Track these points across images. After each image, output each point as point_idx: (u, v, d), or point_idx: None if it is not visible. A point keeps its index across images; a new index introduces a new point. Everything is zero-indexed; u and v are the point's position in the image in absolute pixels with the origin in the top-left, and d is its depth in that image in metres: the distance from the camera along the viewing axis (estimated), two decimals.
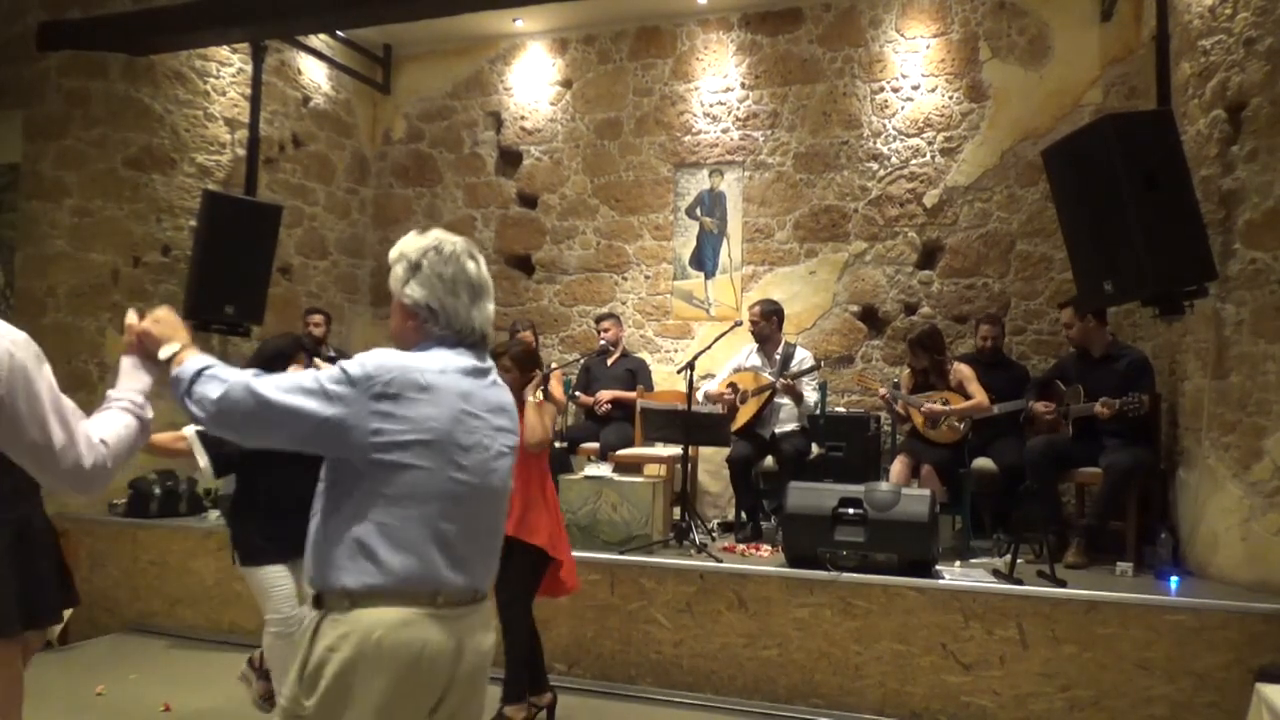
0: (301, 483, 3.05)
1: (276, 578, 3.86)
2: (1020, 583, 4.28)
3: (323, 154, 8.02)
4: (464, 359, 1.94)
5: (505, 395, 2.05)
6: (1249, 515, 4.25)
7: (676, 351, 7.45)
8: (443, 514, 1.84)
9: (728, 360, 6.24)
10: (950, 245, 6.91)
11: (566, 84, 8.00)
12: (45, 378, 1.67)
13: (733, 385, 5.93)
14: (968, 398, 5.42)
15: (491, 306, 2.03)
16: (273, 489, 3.63)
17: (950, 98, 6.91)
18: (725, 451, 5.85)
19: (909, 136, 7.01)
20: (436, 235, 1.98)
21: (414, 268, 1.93)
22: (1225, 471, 4.43)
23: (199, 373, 1.82)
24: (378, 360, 1.83)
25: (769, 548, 5.18)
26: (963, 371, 5.53)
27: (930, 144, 6.96)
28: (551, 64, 8.05)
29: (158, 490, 6.00)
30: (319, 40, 7.81)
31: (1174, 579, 4.31)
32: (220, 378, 1.81)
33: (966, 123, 6.87)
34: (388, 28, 7.72)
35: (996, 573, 4.49)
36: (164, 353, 1.89)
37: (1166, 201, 4.27)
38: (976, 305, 6.76)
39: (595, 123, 7.88)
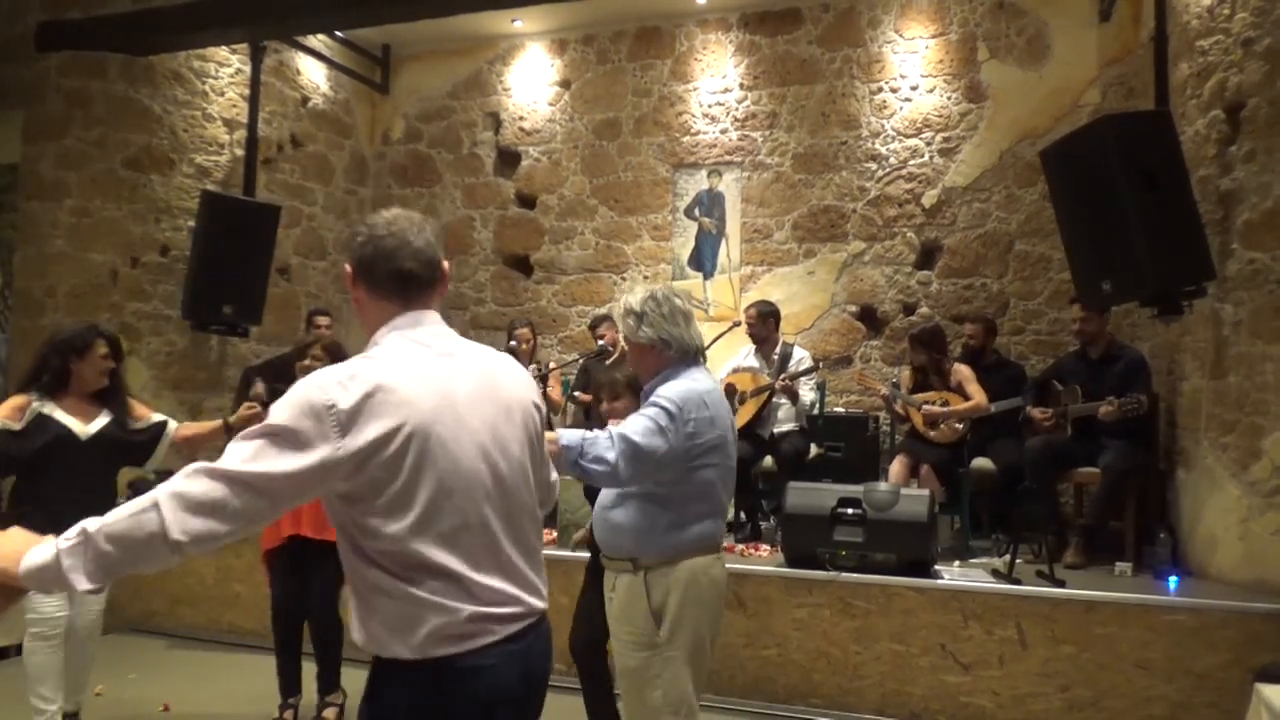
0: (81, 488, 3.20)
1: None
2: (1019, 583, 4.28)
3: (321, 154, 8.02)
4: (707, 375, 2.69)
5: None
6: (1247, 515, 4.25)
7: None
8: (720, 491, 2.66)
9: (726, 361, 6.24)
10: (949, 245, 6.92)
11: (565, 84, 8.01)
12: None
13: (730, 385, 5.94)
14: (967, 398, 5.42)
15: (697, 325, 2.74)
16: (55, 492, 3.41)
17: (949, 98, 6.92)
18: None
19: (907, 137, 7.01)
20: (649, 287, 2.68)
21: (640, 316, 2.64)
22: (1224, 471, 4.43)
23: (583, 439, 2.51)
24: (681, 396, 2.54)
25: (768, 548, 5.18)
26: (962, 372, 5.53)
27: (929, 144, 6.96)
28: (550, 64, 8.05)
29: None
30: (318, 40, 7.80)
31: (1173, 579, 4.32)
32: (604, 438, 2.51)
33: (965, 123, 6.88)
34: (387, 28, 7.72)
35: (995, 573, 4.49)
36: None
37: (1165, 202, 4.28)
38: (975, 305, 6.76)
39: (594, 123, 7.88)
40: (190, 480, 1.50)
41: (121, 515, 1.49)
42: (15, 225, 6.29)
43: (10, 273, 6.30)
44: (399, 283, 1.75)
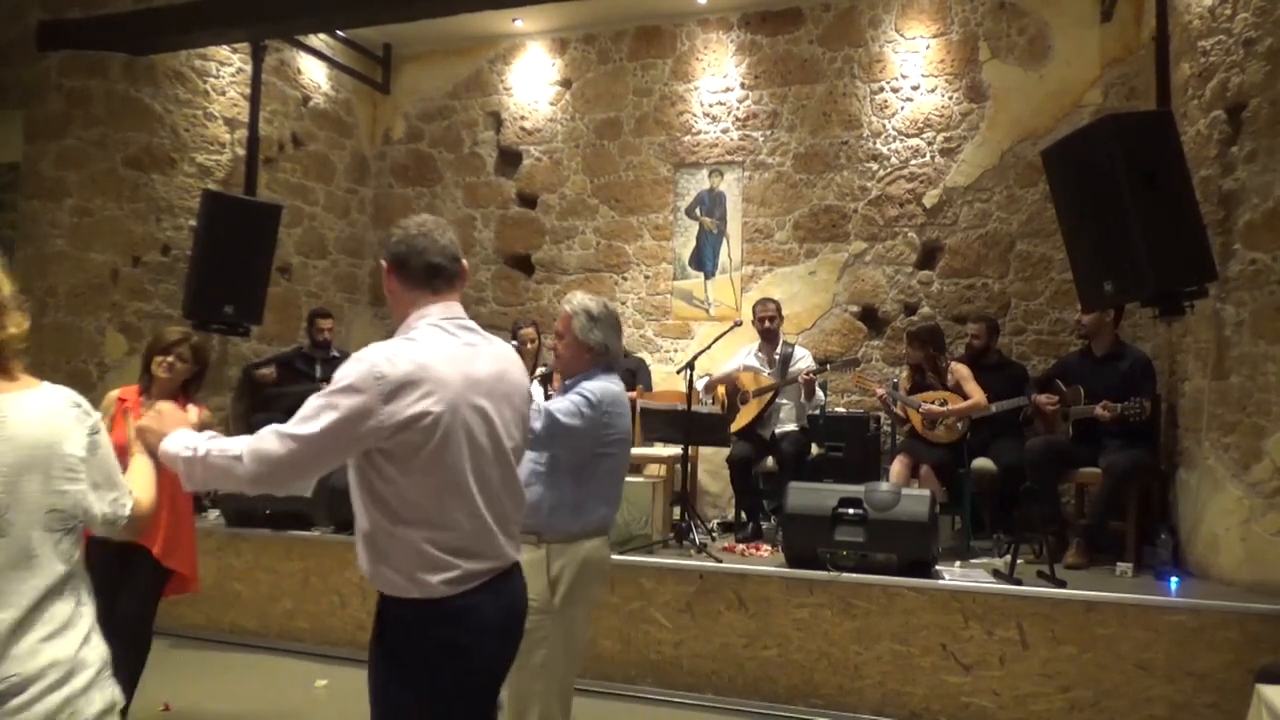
0: None
1: None
2: (1020, 583, 4.28)
3: (322, 154, 8.02)
4: (619, 383, 2.99)
5: None
6: (1249, 516, 4.25)
7: (676, 352, 7.45)
8: (618, 482, 3.00)
9: (727, 360, 6.24)
10: (950, 245, 6.91)
11: (566, 84, 8.00)
12: None
13: (733, 385, 5.94)
14: (965, 398, 5.42)
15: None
16: None
17: (950, 98, 6.91)
18: (725, 451, 5.85)
19: (909, 137, 7.01)
20: (597, 298, 2.98)
21: (595, 319, 2.91)
22: (1225, 472, 4.43)
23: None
24: (603, 391, 2.86)
25: (769, 548, 5.18)
26: (960, 371, 5.53)
27: (930, 144, 6.96)
28: (551, 64, 8.05)
29: None
30: (319, 40, 7.80)
31: (1174, 579, 4.32)
32: (547, 410, 2.76)
33: (966, 123, 6.87)
34: (388, 27, 7.72)
35: (996, 573, 4.49)
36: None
37: (1166, 202, 4.27)
38: (976, 305, 6.76)
39: (595, 123, 7.88)
40: (266, 440, 1.87)
41: (222, 453, 1.89)
42: (15, 225, 6.29)
43: (11, 273, 6.30)
44: (429, 275, 2.06)
